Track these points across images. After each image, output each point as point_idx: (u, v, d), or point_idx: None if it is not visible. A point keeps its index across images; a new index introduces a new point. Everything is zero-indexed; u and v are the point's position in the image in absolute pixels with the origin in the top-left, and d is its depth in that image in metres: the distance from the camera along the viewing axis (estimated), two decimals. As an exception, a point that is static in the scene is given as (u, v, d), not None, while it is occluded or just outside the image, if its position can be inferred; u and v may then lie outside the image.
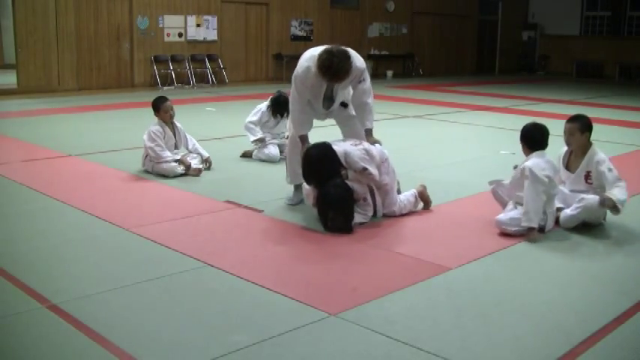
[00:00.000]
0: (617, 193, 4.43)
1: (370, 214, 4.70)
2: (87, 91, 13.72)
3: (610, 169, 4.54)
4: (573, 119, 4.70)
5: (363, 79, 4.86)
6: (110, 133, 8.54)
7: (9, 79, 13.65)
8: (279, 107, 7.01)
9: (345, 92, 5.00)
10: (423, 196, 5.06)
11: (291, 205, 5.13)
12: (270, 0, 16.83)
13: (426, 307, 3.30)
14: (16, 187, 5.63)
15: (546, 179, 4.31)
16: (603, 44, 21.16)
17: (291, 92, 4.94)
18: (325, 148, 4.60)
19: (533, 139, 4.55)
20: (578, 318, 3.20)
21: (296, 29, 17.51)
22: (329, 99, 4.91)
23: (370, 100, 4.90)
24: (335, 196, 4.44)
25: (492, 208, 4.88)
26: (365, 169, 4.55)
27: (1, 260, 3.84)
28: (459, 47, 21.73)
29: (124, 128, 9.06)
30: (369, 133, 4.92)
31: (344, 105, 5.06)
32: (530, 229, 4.29)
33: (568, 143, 4.69)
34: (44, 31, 13.21)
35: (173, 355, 2.77)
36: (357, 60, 4.77)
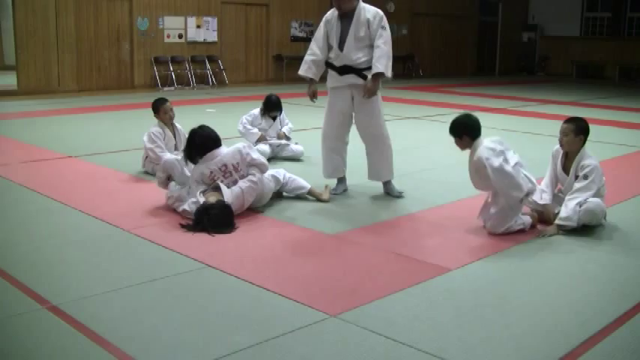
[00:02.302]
0: (564, 210, 4.45)
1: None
2: (87, 92, 13.72)
3: (586, 176, 4.50)
4: (570, 120, 4.68)
5: (383, 27, 5.20)
6: (110, 134, 8.54)
7: (9, 80, 13.66)
8: (269, 106, 7.04)
9: (361, 43, 5.23)
10: (313, 193, 5.29)
11: (335, 194, 5.43)
12: (270, 1, 16.84)
13: (426, 307, 3.30)
14: (16, 188, 5.63)
15: (502, 159, 4.38)
16: (603, 45, 21.17)
17: (314, 35, 5.46)
18: (212, 131, 5.01)
19: (474, 126, 4.53)
20: (578, 319, 3.20)
21: (296, 30, 17.52)
22: (342, 39, 5.25)
23: (385, 46, 5.16)
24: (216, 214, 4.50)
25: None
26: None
27: (1, 261, 3.84)
28: (459, 48, 21.73)
29: (124, 129, 9.07)
30: (375, 77, 5.18)
31: (362, 76, 5.26)
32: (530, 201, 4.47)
33: (561, 143, 4.67)
34: (44, 33, 13.22)
35: (173, 356, 2.77)
36: (373, 7, 5.30)
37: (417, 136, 8.71)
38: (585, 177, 4.50)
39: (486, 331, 3.04)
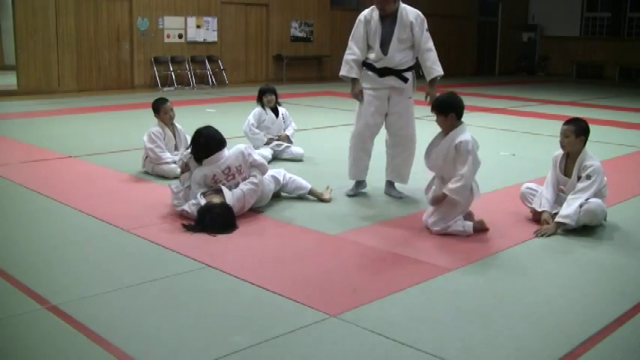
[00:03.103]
0: (565, 208, 4.45)
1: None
2: (87, 92, 13.72)
3: (589, 177, 4.49)
4: (570, 122, 4.67)
5: (427, 29, 5.29)
6: (110, 135, 8.54)
7: (9, 80, 13.65)
8: (260, 91, 7.10)
9: (404, 45, 5.25)
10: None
11: (349, 195, 5.44)
12: (270, 1, 16.83)
13: (426, 308, 3.30)
14: (16, 188, 5.63)
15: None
16: (603, 45, 21.17)
17: (352, 34, 5.35)
18: (218, 132, 4.99)
19: (461, 105, 4.51)
20: (579, 319, 3.19)
21: (296, 30, 17.51)
22: (386, 42, 5.21)
23: (434, 48, 5.31)
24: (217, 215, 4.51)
25: (492, 208, 4.88)
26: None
27: (1, 261, 3.83)
28: (459, 48, 21.72)
29: (123, 129, 9.07)
30: (433, 82, 5.29)
31: (403, 79, 5.30)
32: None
33: (562, 145, 4.66)
34: (44, 33, 13.21)
35: (173, 356, 2.77)
36: (413, 8, 5.31)
37: (417, 136, 8.69)
38: (588, 177, 4.50)
39: (486, 331, 3.04)
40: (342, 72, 5.35)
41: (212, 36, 15.86)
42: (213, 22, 15.82)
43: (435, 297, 3.43)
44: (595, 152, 4.82)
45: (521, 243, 4.29)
